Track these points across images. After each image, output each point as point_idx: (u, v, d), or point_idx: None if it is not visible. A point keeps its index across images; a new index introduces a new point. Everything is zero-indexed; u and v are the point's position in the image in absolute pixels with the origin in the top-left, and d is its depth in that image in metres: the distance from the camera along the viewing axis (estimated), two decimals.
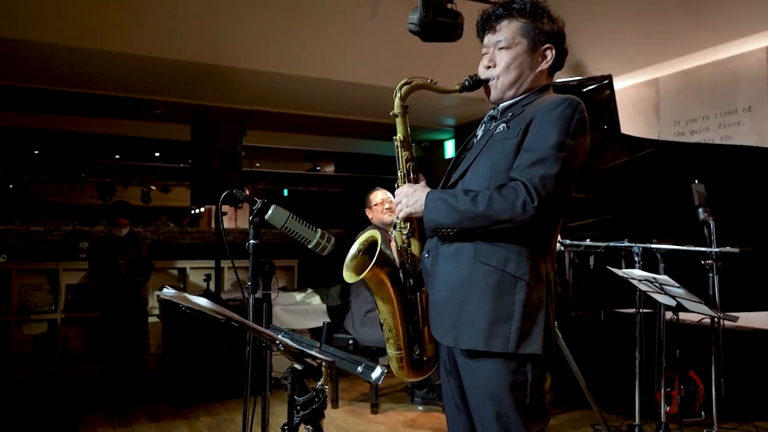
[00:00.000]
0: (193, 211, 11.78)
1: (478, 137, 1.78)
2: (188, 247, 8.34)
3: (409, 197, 1.74)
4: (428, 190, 1.71)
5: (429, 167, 8.52)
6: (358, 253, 1.85)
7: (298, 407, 1.99)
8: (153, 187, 9.21)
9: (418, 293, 1.80)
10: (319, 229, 1.82)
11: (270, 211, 1.77)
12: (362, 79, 5.48)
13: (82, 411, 4.22)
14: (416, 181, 1.81)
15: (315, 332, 5.45)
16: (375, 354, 4.14)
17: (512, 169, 1.58)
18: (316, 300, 5.49)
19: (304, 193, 9.80)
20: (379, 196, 4.30)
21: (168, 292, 1.34)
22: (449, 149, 8.14)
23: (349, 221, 8.37)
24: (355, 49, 5.26)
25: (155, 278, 5.72)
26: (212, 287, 5.10)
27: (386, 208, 4.23)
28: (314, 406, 1.89)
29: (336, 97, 6.09)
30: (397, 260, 1.82)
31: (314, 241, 1.79)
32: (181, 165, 8.29)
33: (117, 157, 8.38)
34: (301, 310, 5.36)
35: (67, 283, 5.97)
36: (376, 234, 1.82)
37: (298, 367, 1.50)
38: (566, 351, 3.44)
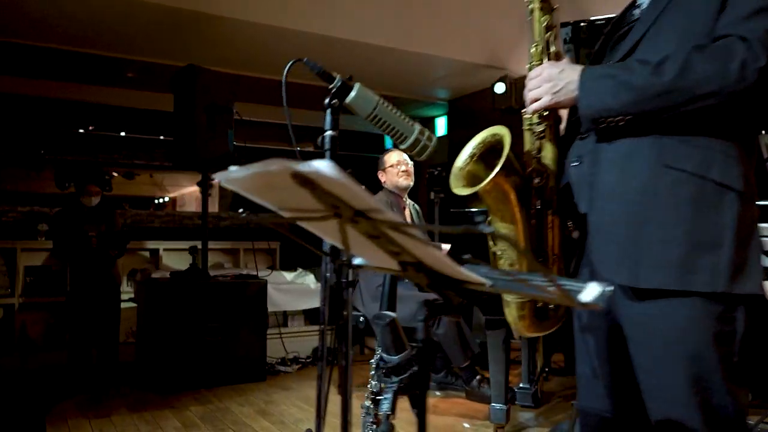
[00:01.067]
0: (157, 201, 11.10)
1: (644, 5, 1.27)
2: (158, 231, 7.70)
3: (553, 79, 1.25)
4: (580, 67, 1.25)
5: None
6: (472, 158, 1.38)
7: (389, 372, 1.53)
8: (115, 174, 8.52)
9: (549, 217, 1.34)
10: (418, 124, 1.34)
11: (354, 92, 1.28)
12: (368, 38, 4.99)
13: (47, 403, 3.63)
14: (557, 59, 1.35)
15: (309, 313, 4.95)
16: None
17: (717, 28, 1.12)
18: (310, 279, 4.99)
19: None
20: (394, 156, 3.83)
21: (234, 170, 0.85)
22: (441, 127, 7.72)
23: None
24: (361, 2, 4.78)
25: (123, 261, 5.12)
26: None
27: (402, 171, 3.76)
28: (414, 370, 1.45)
29: (335, 59, 5.55)
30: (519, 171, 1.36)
31: (411, 139, 1.31)
32: (161, 138, 7.58)
33: (81, 131, 7.66)
34: (293, 289, 4.85)
35: (26, 265, 5.33)
36: (502, 131, 1.35)
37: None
38: None
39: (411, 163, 3.81)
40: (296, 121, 5.87)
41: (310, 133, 8.75)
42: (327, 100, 1.24)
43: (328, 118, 1.24)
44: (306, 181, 0.77)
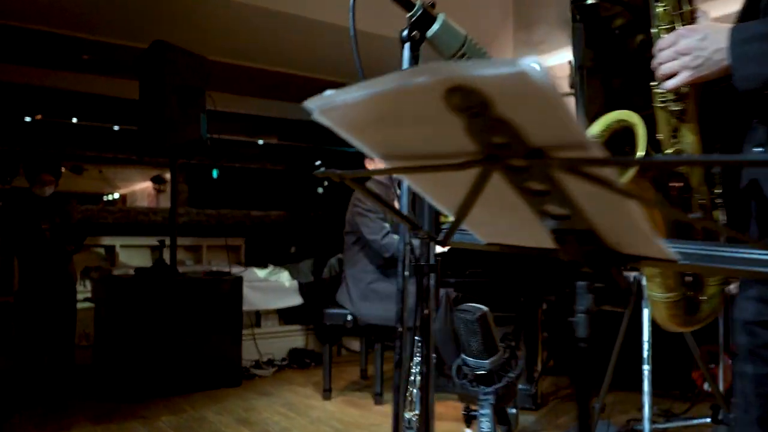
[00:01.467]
0: (106, 197, 10.55)
1: None
2: (112, 227, 7.22)
3: (693, 50, 1.01)
4: (726, 28, 1.00)
5: None
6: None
7: (477, 380, 1.28)
8: (63, 169, 7.96)
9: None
10: None
11: (437, 25, 1.03)
12: (359, 25, 4.70)
13: None
14: (692, 20, 1.10)
15: (284, 313, 4.64)
16: (379, 333, 3.42)
17: None
18: (285, 276, 4.68)
19: (238, 171, 8.82)
20: None
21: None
22: None
23: (293, 202, 7.55)
24: None
25: (76, 258, 4.68)
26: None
27: None
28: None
29: (309, 42, 5.22)
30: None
31: None
32: (115, 128, 7.08)
33: (27, 119, 7.10)
34: (267, 287, 4.53)
35: None
36: (633, 118, 1.10)
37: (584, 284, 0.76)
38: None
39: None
40: (261, 111, 5.47)
41: (273, 125, 8.35)
42: (405, 32, 0.98)
43: (407, 55, 0.97)
44: (471, 101, 0.51)
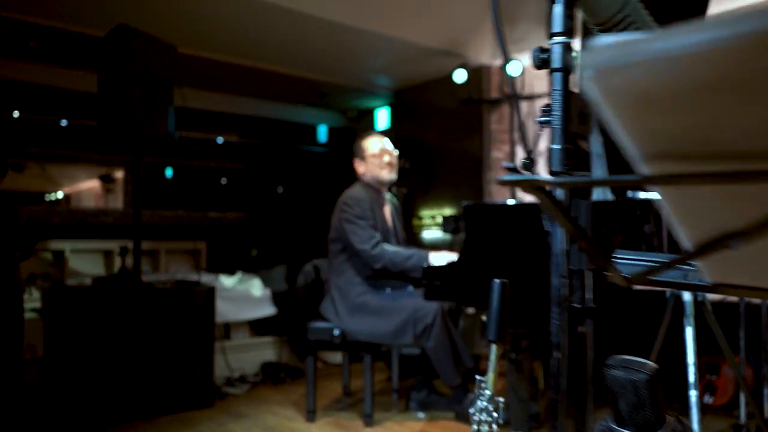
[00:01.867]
0: (48, 197, 9.92)
1: None
2: (59, 229, 6.71)
3: None
4: None
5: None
6: None
7: None
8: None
9: None
10: None
11: None
12: (303, 6, 4.40)
13: None
14: None
15: (255, 324, 4.31)
16: (374, 350, 3.14)
17: None
18: (256, 285, 4.35)
19: (192, 170, 8.36)
20: (376, 144, 3.30)
21: None
22: (382, 119, 7.24)
23: (250, 203, 7.18)
24: None
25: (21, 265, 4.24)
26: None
27: (386, 162, 3.24)
28: None
29: (260, 29, 4.87)
30: None
31: None
32: (62, 123, 6.56)
33: None
34: (238, 297, 4.19)
35: None
36: None
37: None
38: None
39: (396, 152, 3.31)
40: (221, 108, 5.04)
41: (233, 122, 7.90)
42: None
43: (558, 16, 0.72)
44: None
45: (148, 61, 3.37)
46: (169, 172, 8.27)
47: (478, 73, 5.59)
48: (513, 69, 5.07)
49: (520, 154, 5.65)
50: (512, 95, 5.19)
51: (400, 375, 3.75)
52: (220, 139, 8.00)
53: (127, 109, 3.28)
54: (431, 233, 6.07)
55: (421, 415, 3.30)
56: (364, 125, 7.40)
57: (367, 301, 3.12)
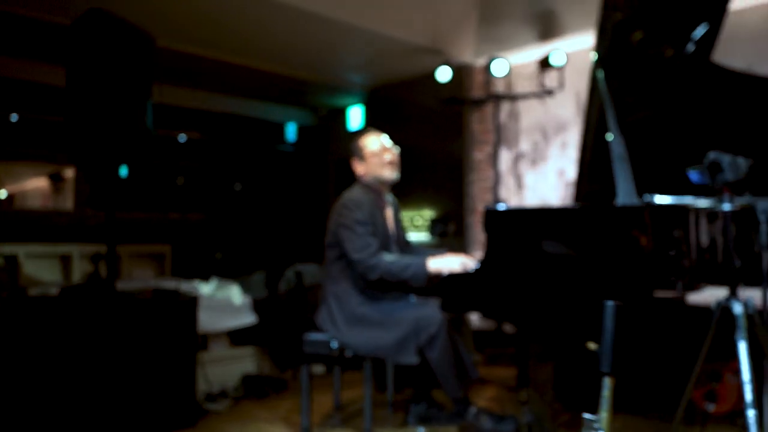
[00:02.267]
0: None
1: None
2: (8, 232, 6.25)
3: None
4: None
5: (327, 141, 7.31)
6: None
7: None
8: None
9: None
10: None
11: None
12: (297, 1, 4.18)
13: None
14: None
15: (234, 335, 4.05)
16: (379, 364, 2.94)
17: None
18: (235, 292, 4.09)
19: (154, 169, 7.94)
20: (375, 141, 3.09)
21: None
22: (355, 119, 7.03)
23: (215, 204, 6.84)
24: None
25: None
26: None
27: (388, 161, 3.04)
28: None
29: (227, 19, 4.57)
30: None
31: None
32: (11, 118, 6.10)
33: None
34: (217, 305, 3.92)
35: None
36: None
37: None
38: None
39: (397, 149, 3.11)
40: (182, 103, 4.70)
41: (196, 118, 7.54)
42: None
43: None
44: None
45: (124, 51, 3.07)
46: (124, 171, 7.82)
47: (459, 72, 5.45)
48: (498, 69, 4.95)
49: (504, 156, 5.54)
50: (498, 96, 5.08)
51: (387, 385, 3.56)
52: (182, 137, 7.63)
53: (100, 106, 2.97)
54: (410, 236, 5.90)
55: (421, 430, 3.12)
56: (337, 126, 7.18)
57: (367, 312, 2.91)
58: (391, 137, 3.11)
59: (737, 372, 3.38)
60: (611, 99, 2.60)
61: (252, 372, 4.01)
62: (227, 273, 4.33)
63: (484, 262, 2.24)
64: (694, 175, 2.02)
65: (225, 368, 3.90)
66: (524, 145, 5.50)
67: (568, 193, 5.18)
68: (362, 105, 6.88)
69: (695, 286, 2.26)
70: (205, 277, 4.29)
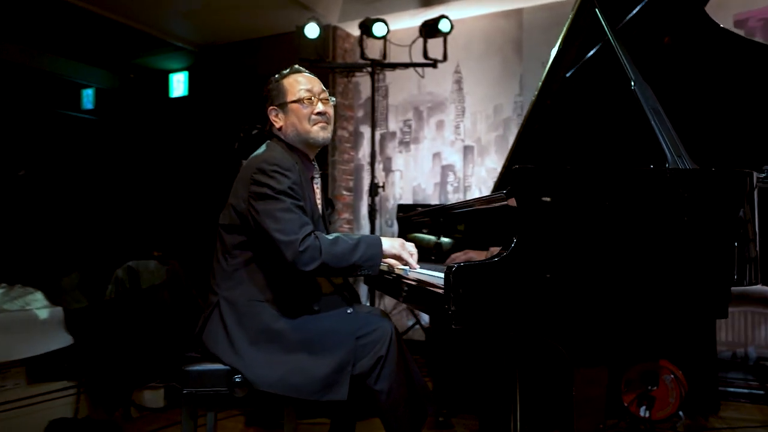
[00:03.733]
0: None
1: None
2: None
3: None
4: None
5: (144, 112, 5.87)
6: None
7: None
8: None
9: None
10: None
11: None
12: None
13: None
14: None
15: (38, 367, 2.76)
16: (303, 409, 1.99)
17: None
18: (39, 301, 2.79)
19: None
20: (302, 83, 2.09)
21: None
22: (179, 86, 5.76)
23: None
24: None
25: None
26: None
27: (319, 114, 2.09)
28: None
29: None
30: None
31: None
32: None
33: None
34: (9, 322, 2.61)
35: None
36: None
37: None
38: None
39: (333, 99, 2.19)
40: None
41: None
42: None
43: None
44: None
45: None
46: None
47: (323, 35, 4.60)
48: (373, 32, 4.22)
49: (369, 135, 4.83)
50: (368, 65, 4.34)
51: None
52: None
53: None
54: None
55: None
56: (158, 93, 5.85)
57: (286, 330, 1.96)
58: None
59: (673, 373, 3.09)
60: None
61: (66, 416, 2.75)
62: (26, 276, 2.95)
63: (514, 250, 1.48)
64: None
65: (19, 418, 2.61)
66: (394, 124, 4.86)
67: (445, 179, 4.65)
68: (186, 71, 5.65)
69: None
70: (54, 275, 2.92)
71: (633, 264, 1.52)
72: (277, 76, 2.14)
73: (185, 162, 5.41)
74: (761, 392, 3.49)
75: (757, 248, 1.66)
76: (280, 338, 1.96)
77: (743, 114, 2.19)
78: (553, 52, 2.50)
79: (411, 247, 2.05)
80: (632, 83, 1.89)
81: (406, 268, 2.03)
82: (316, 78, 2.15)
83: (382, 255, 1.97)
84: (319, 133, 2.08)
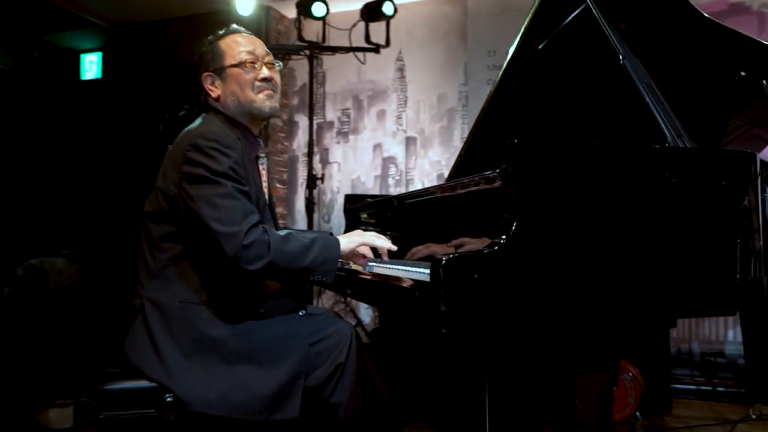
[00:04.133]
0: None
1: None
2: None
3: None
4: None
5: (51, 95, 5.29)
6: None
7: None
8: None
9: None
10: None
11: None
12: None
13: None
14: None
15: None
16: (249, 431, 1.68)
17: None
18: None
19: None
20: (242, 43, 1.79)
21: None
22: (91, 67, 5.22)
23: None
24: None
25: None
26: None
27: (262, 79, 1.78)
28: None
29: None
30: None
31: None
32: None
33: None
34: None
35: None
36: None
37: None
38: None
39: (279, 64, 1.89)
40: None
41: None
42: None
43: None
44: None
45: None
46: None
47: (259, 15, 4.26)
48: (317, 12, 3.92)
49: (304, 124, 4.52)
50: (305, 47, 4.03)
51: None
52: None
53: None
54: None
55: None
56: (59, 71, 5.29)
57: (226, 338, 1.65)
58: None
59: (631, 372, 2.98)
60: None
61: None
62: None
63: (513, 236, 1.25)
64: None
65: None
66: (332, 113, 4.57)
67: (387, 172, 4.41)
68: (100, 51, 5.14)
69: None
70: None
71: (638, 255, 1.33)
72: (211, 37, 1.82)
73: (100, 150, 4.91)
74: (708, 388, 3.46)
75: (761, 240, 1.51)
76: (219, 348, 1.64)
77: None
78: (520, 33, 2.30)
79: (373, 234, 1.79)
80: (621, 57, 1.70)
81: (374, 263, 1.76)
82: (259, 39, 1.85)
83: (340, 257, 1.70)
84: (265, 102, 1.78)
